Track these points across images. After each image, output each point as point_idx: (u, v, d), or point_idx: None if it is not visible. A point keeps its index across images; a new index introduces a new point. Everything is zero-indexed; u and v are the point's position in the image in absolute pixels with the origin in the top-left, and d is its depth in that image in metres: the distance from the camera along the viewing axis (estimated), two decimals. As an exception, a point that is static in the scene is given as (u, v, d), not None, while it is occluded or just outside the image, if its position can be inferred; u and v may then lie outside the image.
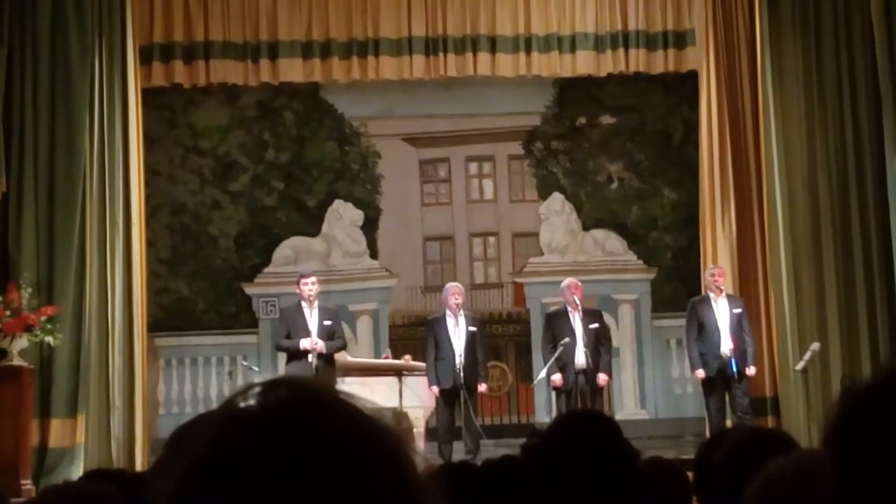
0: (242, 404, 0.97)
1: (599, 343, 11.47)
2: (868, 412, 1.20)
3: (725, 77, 12.99)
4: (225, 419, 0.96)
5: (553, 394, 11.55)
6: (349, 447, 0.94)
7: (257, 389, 0.98)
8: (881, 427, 1.18)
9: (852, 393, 1.25)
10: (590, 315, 11.54)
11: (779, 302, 12.45)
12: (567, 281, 11.70)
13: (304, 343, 10.77)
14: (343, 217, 13.96)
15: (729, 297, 11.68)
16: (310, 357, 10.72)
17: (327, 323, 10.97)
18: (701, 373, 11.41)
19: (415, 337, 13.12)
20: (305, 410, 0.95)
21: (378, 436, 0.96)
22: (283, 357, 11.46)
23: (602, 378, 11.38)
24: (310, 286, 11.01)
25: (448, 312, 11.44)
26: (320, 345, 10.77)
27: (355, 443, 0.94)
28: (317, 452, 0.92)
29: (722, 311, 11.43)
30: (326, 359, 10.88)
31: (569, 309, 11.44)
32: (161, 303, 13.43)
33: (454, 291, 11.54)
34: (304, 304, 11.01)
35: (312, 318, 10.93)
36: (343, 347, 11.40)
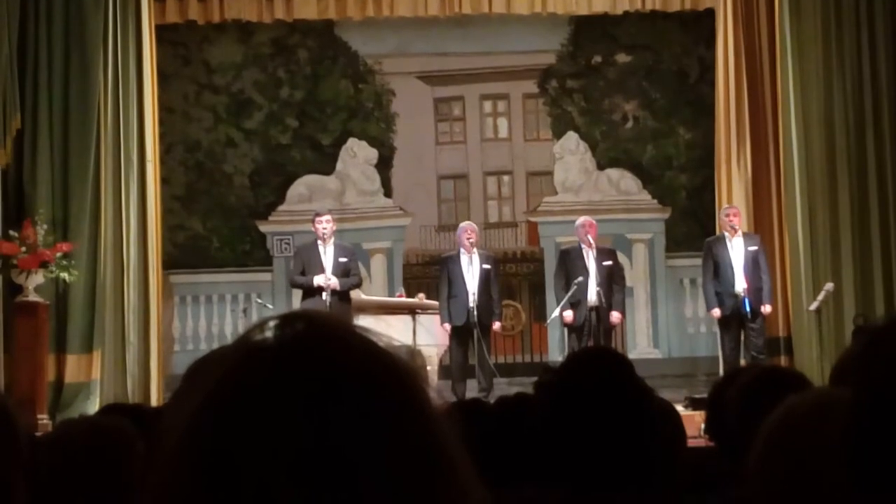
0: (259, 338, 0.97)
1: (612, 281, 11.47)
2: (884, 347, 1.21)
3: (742, 15, 12.88)
4: (242, 352, 0.97)
5: (565, 331, 11.58)
6: (365, 380, 0.94)
7: (274, 323, 0.98)
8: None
9: (868, 329, 1.25)
10: (603, 253, 11.54)
11: (793, 242, 12.42)
12: (581, 219, 11.69)
13: (318, 279, 10.77)
14: (357, 155, 13.94)
15: (745, 234, 11.65)
16: (324, 294, 10.73)
17: (342, 260, 10.96)
18: (717, 312, 11.42)
19: (429, 276, 13.15)
20: (322, 343, 0.95)
21: (394, 369, 0.96)
22: (297, 295, 11.49)
23: (615, 316, 11.41)
24: (325, 224, 10.99)
25: (462, 251, 11.44)
26: (333, 281, 10.77)
27: (371, 376, 0.95)
28: (333, 385, 0.93)
29: (736, 251, 11.41)
30: (341, 296, 10.88)
31: (583, 247, 11.44)
32: (175, 240, 13.47)
33: (468, 230, 11.53)
34: (318, 241, 11.02)
35: (327, 255, 10.93)
36: (358, 285, 11.40)
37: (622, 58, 13.99)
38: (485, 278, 11.35)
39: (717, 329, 11.97)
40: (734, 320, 11.37)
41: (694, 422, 7.63)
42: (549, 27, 13.80)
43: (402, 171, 14.00)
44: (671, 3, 13.12)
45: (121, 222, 12.07)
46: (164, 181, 12.95)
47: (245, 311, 12.98)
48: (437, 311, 11.48)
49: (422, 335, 11.31)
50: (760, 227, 12.54)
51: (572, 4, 13.06)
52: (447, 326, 11.33)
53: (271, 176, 13.82)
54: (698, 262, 11.99)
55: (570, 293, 11.17)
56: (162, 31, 12.84)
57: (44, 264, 11.20)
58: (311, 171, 13.90)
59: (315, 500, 0.90)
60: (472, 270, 11.34)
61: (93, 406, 11.05)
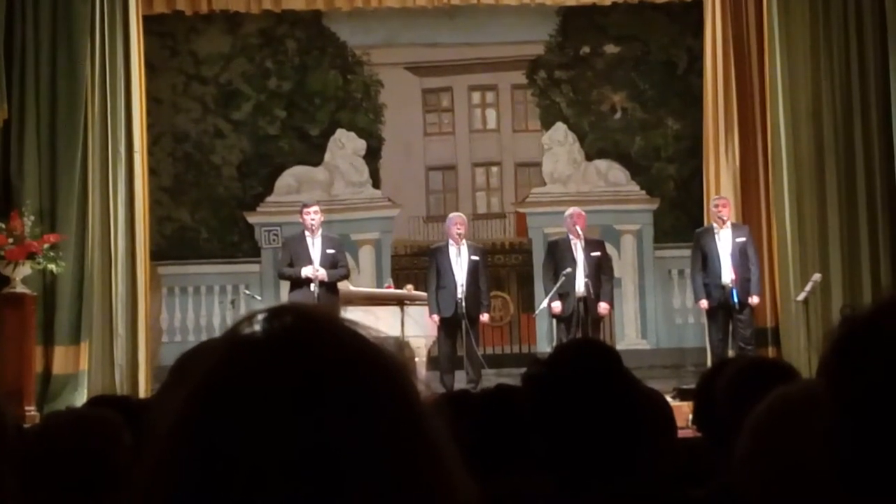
0: (247, 330, 0.97)
1: (601, 272, 11.49)
2: (865, 339, 1.21)
3: (730, 5, 12.88)
4: (230, 345, 0.96)
5: (554, 322, 11.62)
6: (353, 373, 0.94)
7: (262, 316, 0.98)
8: (878, 353, 1.18)
9: (850, 320, 1.25)
10: (592, 244, 11.55)
11: (781, 232, 12.45)
12: (570, 210, 11.71)
13: (306, 271, 10.77)
14: (345, 146, 13.92)
15: (733, 225, 11.67)
16: (312, 286, 10.73)
17: (330, 251, 10.96)
18: (705, 303, 11.45)
19: (417, 267, 13.14)
20: (310, 336, 0.95)
21: (382, 362, 0.96)
22: (285, 286, 11.48)
23: (603, 307, 11.43)
24: (312, 215, 10.98)
25: (451, 242, 11.45)
26: (322, 272, 10.77)
27: (359, 369, 0.95)
28: (321, 378, 0.93)
29: (724, 242, 11.44)
30: (329, 287, 10.88)
31: (571, 238, 11.46)
32: (164, 231, 13.45)
33: (457, 221, 11.54)
34: (307, 233, 11.01)
35: (315, 246, 10.92)
36: (346, 276, 11.40)
37: (610, 48, 13.98)
38: (473, 269, 11.36)
39: (704, 320, 12.01)
40: (722, 311, 11.40)
41: (682, 412, 7.63)
42: (538, 18, 13.79)
43: (390, 162, 13.99)
44: (659, -6, 13.14)
45: (108, 213, 12.04)
46: (152, 172, 12.92)
47: (233, 302, 12.97)
48: (425, 303, 11.49)
49: (410, 326, 11.31)
50: (748, 217, 12.56)
51: (561, -5, 13.06)
52: (435, 318, 11.34)
53: (259, 167, 13.80)
54: (686, 252, 12.03)
55: (558, 284, 11.19)
56: (149, 22, 12.80)
57: (31, 256, 11.17)
58: (300, 161, 13.88)
59: (303, 493, 0.90)
60: (460, 262, 11.35)
61: (80, 398, 11.03)
